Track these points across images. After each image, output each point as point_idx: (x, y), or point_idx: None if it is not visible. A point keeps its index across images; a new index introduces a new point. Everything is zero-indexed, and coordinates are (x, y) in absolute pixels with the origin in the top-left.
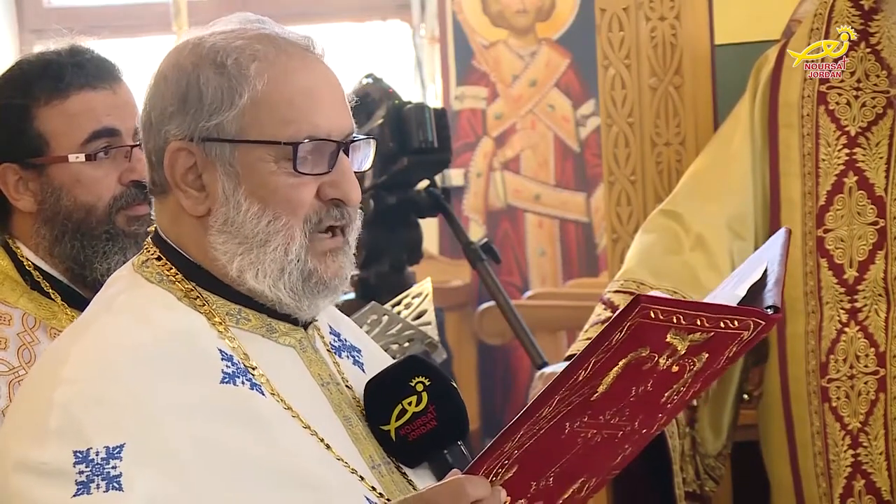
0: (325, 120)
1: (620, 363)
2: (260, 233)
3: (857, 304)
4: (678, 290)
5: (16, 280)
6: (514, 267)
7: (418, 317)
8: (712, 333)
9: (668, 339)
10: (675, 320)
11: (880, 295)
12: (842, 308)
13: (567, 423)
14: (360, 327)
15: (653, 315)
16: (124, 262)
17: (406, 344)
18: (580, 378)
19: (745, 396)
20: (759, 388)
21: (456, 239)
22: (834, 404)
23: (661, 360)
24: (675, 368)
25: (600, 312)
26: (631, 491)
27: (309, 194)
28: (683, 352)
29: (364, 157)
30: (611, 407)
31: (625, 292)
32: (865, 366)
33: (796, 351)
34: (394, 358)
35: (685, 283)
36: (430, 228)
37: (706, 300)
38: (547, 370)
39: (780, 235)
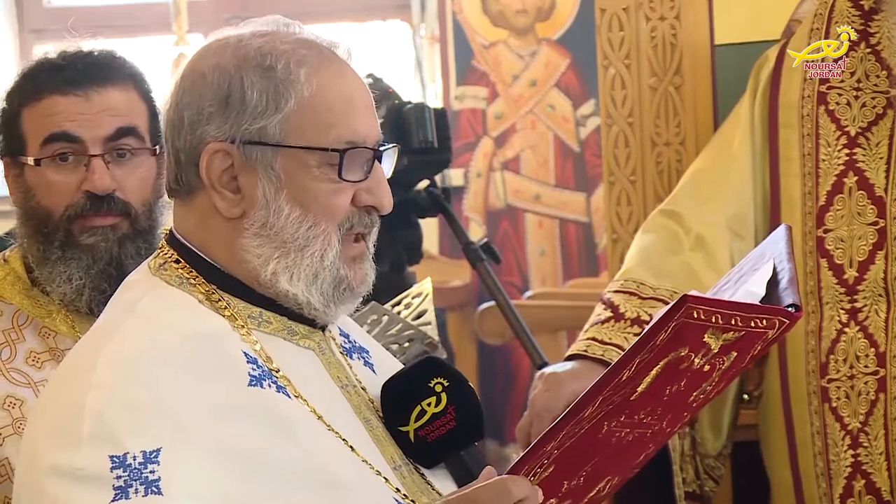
0: (362, 126)
1: (661, 363)
2: (300, 237)
3: (857, 305)
4: (678, 291)
5: (20, 277)
6: (514, 267)
7: (418, 317)
8: (743, 332)
9: (704, 339)
10: (713, 320)
11: (880, 295)
12: (842, 308)
13: (605, 423)
14: (360, 327)
15: (696, 315)
16: (80, 276)
17: (406, 344)
18: (624, 378)
19: (745, 396)
20: (759, 388)
21: (456, 239)
22: (834, 404)
23: (696, 360)
24: (706, 368)
25: (600, 312)
26: (631, 491)
27: (346, 200)
28: (716, 350)
29: (390, 164)
30: (646, 406)
31: (625, 292)
32: (865, 366)
33: (796, 351)
34: (394, 356)
35: (685, 283)
36: (430, 228)
37: (720, 297)
38: (547, 370)
39: (780, 232)
